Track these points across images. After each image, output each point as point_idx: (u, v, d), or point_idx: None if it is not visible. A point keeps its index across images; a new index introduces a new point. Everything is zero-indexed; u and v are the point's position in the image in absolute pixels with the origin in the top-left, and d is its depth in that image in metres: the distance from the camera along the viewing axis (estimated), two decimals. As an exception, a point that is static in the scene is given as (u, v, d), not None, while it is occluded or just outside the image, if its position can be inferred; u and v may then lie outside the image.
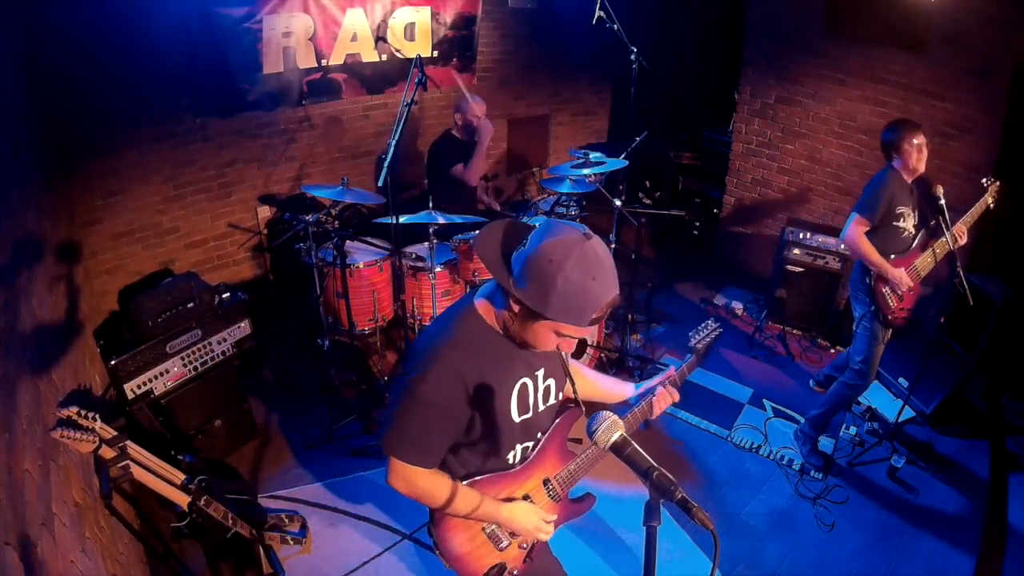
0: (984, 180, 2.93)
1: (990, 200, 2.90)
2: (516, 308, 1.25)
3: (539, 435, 1.52)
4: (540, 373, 1.43)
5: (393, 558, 2.63)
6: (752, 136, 4.69)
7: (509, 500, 1.45)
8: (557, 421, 1.54)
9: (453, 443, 1.38)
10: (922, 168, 2.81)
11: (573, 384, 1.46)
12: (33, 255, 2.18)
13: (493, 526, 1.48)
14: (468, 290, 3.80)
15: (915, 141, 2.74)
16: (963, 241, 2.82)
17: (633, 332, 4.13)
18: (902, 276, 2.83)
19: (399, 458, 1.31)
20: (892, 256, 2.86)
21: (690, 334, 1.77)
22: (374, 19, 4.23)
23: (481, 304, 1.35)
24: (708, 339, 1.76)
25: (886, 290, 2.89)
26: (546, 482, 1.52)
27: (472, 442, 1.39)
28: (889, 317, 2.92)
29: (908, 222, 2.86)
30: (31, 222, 2.29)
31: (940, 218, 2.81)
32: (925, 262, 2.90)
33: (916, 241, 2.91)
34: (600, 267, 1.18)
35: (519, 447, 1.48)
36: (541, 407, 1.47)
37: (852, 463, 3.19)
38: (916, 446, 3.27)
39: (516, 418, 1.40)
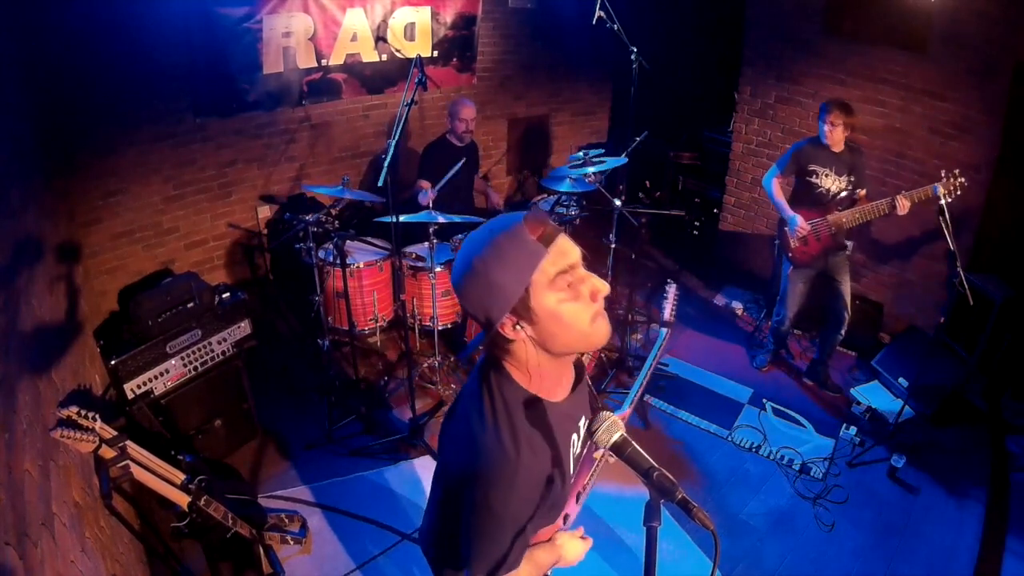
0: (943, 171, 3.01)
1: (942, 189, 2.96)
2: (518, 330, 1.03)
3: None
4: (581, 420, 1.28)
5: (393, 558, 2.63)
6: (752, 136, 4.69)
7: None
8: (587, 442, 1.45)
9: None
10: (834, 142, 3.25)
11: (596, 399, 1.41)
12: (33, 255, 2.18)
13: None
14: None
15: (827, 118, 3.21)
16: (902, 211, 3.08)
17: (633, 332, 4.13)
18: (797, 218, 3.35)
19: (496, 573, 1.14)
20: (804, 206, 3.38)
21: (662, 305, 1.81)
22: (374, 19, 4.23)
23: (512, 369, 1.11)
24: (675, 305, 1.80)
25: (786, 230, 3.44)
26: (578, 495, 1.48)
27: (538, 518, 1.22)
28: (789, 255, 3.48)
29: (825, 180, 3.32)
30: (31, 222, 2.29)
31: (940, 218, 2.86)
32: (845, 218, 3.28)
33: (835, 199, 3.33)
34: (486, 224, 1.06)
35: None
36: (579, 451, 1.35)
37: (852, 463, 3.19)
38: (916, 446, 3.27)
39: (572, 474, 1.30)
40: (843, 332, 3.57)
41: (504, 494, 1.05)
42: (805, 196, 3.39)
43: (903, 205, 3.07)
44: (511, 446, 1.06)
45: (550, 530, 1.37)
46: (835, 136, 3.23)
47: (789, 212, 3.38)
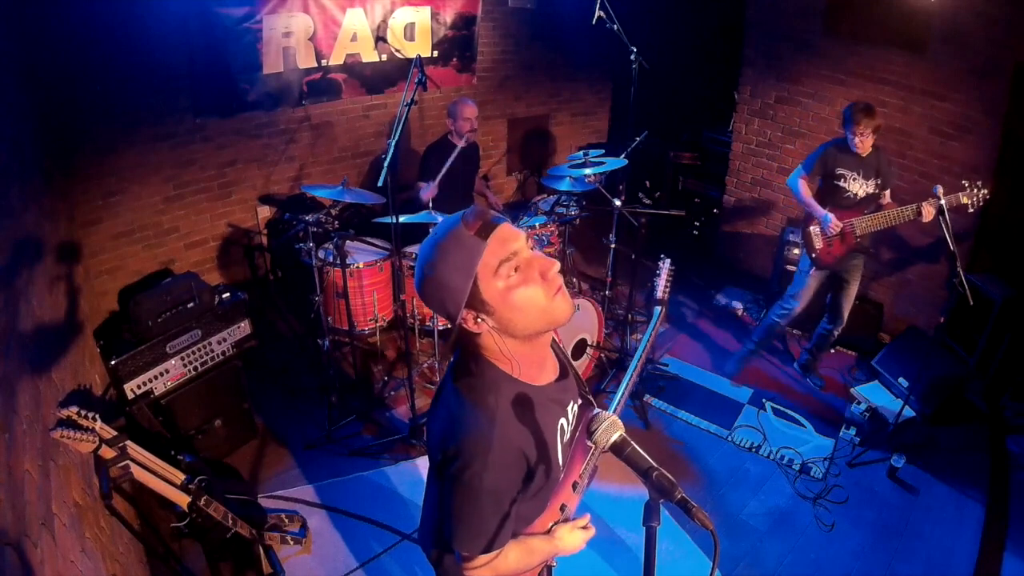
0: (965, 181, 3.03)
1: (965, 199, 3.00)
2: (479, 323, 1.09)
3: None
4: (570, 406, 1.31)
5: (394, 557, 2.63)
6: (752, 136, 4.69)
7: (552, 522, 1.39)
8: (579, 429, 1.47)
9: None
10: (863, 150, 3.19)
11: (580, 381, 1.43)
12: (33, 255, 2.18)
13: None
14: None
15: (855, 129, 3.12)
16: (927, 219, 3.05)
17: (633, 332, 4.13)
18: (830, 217, 3.26)
19: (482, 552, 1.17)
20: (830, 207, 3.31)
21: (655, 283, 1.77)
22: (374, 19, 4.23)
23: (485, 353, 1.16)
24: (669, 283, 1.76)
25: (815, 230, 3.37)
26: (574, 484, 1.48)
27: (525, 502, 1.26)
28: (813, 256, 3.41)
29: (852, 184, 3.27)
30: (31, 222, 2.29)
31: (940, 218, 2.88)
32: (870, 222, 3.26)
33: (862, 202, 3.29)
34: (433, 231, 1.12)
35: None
36: (569, 437, 1.38)
37: (852, 463, 3.19)
38: (916, 446, 3.27)
39: (561, 463, 1.32)
40: (837, 331, 3.61)
41: (479, 468, 1.09)
42: (830, 198, 3.33)
43: (928, 213, 3.03)
44: (484, 421, 1.10)
45: (547, 520, 1.37)
46: (865, 144, 3.16)
47: (821, 211, 3.30)
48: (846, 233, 3.31)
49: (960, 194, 2.99)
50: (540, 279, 1.08)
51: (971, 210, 2.98)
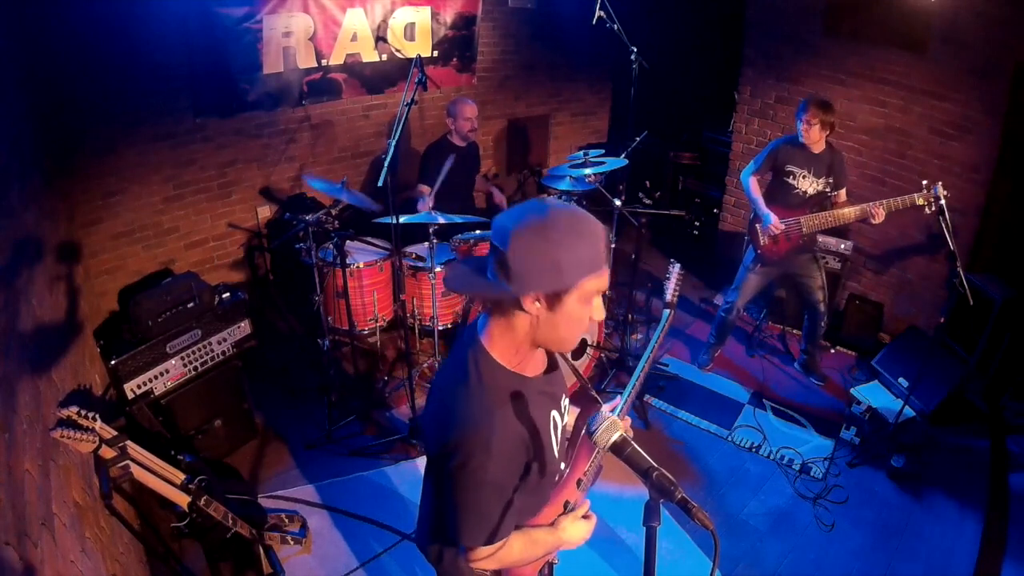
0: (925, 181, 2.99)
1: (920, 200, 2.98)
2: (536, 308, 1.11)
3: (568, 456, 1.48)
4: (563, 399, 1.37)
5: (393, 558, 2.63)
6: (752, 136, 4.69)
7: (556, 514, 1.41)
8: (583, 425, 1.49)
9: None
10: (811, 142, 3.23)
11: (583, 379, 1.45)
12: (33, 255, 2.18)
13: None
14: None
15: (803, 117, 3.19)
16: (877, 220, 3.09)
17: (633, 332, 4.13)
18: (771, 217, 3.34)
19: (486, 544, 1.20)
20: (777, 205, 3.38)
21: (665, 286, 1.76)
22: (374, 19, 4.23)
23: (492, 341, 1.20)
24: (679, 286, 1.77)
25: (758, 227, 3.44)
26: (578, 481, 1.50)
27: (523, 496, 1.29)
28: (758, 252, 3.48)
29: (802, 182, 3.30)
30: (31, 222, 2.29)
31: (940, 218, 2.87)
32: (816, 221, 3.29)
33: (810, 200, 3.32)
34: (573, 209, 1.11)
35: (556, 478, 1.43)
36: (564, 431, 1.42)
37: (852, 463, 3.19)
38: (916, 446, 3.27)
39: (557, 456, 1.35)
40: (822, 324, 3.66)
41: (483, 459, 1.12)
42: (779, 195, 3.39)
43: (878, 214, 3.07)
44: (484, 411, 1.14)
45: (550, 516, 1.38)
46: (812, 135, 3.18)
47: (764, 209, 3.38)
48: (791, 231, 3.35)
49: (916, 195, 2.99)
50: (588, 319, 1.15)
51: (928, 211, 2.96)
